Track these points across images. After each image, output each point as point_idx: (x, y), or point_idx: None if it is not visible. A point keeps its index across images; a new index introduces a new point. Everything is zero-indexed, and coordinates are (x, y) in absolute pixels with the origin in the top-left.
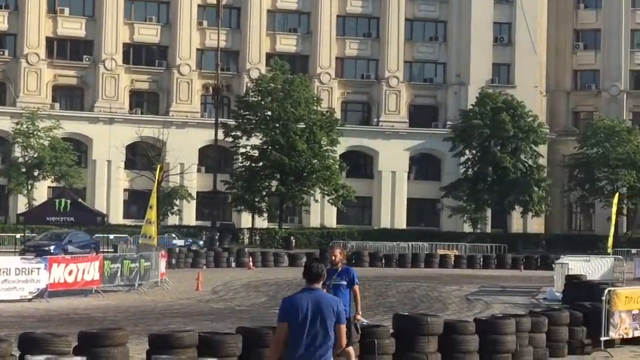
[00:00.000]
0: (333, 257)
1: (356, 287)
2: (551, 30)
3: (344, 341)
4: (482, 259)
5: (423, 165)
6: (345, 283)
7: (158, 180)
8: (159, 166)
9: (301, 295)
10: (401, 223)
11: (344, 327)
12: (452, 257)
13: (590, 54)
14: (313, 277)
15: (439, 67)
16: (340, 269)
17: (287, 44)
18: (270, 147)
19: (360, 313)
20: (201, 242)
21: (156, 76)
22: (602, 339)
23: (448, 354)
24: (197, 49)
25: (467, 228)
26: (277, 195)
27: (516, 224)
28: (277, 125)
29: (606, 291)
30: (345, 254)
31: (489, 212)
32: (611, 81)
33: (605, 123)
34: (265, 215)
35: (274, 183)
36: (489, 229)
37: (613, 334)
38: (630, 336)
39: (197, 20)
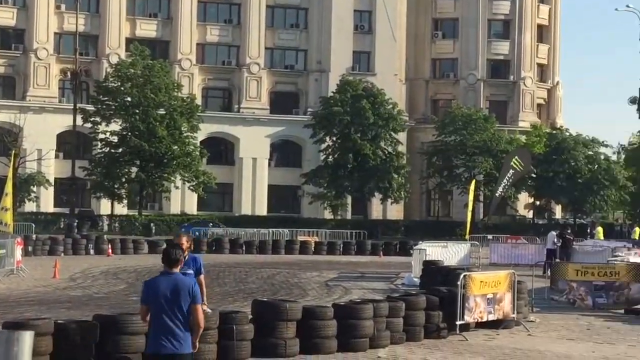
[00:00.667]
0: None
1: (201, 277)
2: (410, 19)
3: (202, 320)
4: (342, 245)
5: (284, 152)
6: (192, 272)
7: (14, 166)
8: (14, 152)
9: (161, 279)
10: (262, 210)
11: (199, 307)
12: (313, 244)
13: (449, 43)
14: (172, 262)
15: (300, 54)
16: (187, 257)
17: (147, 29)
18: (129, 133)
19: (206, 303)
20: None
21: (12, 60)
22: (458, 322)
23: (307, 339)
24: (55, 33)
25: (328, 215)
26: (136, 182)
27: (376, 210)
28: (137, 111)
29: (462, 276)
30: (192, 241)
31: (349, 199)
32: (469, 70)
33: (462, 111)
34: (125, 202)
35: (134, 169)
36: (349, 216)
37: (468, 318)
38: (484, 320)
39: (55, 3)
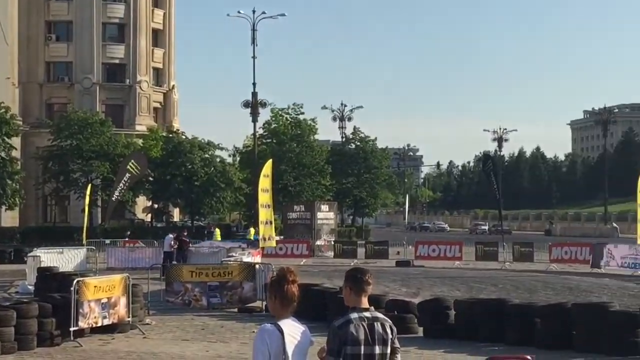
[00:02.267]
0: None
1: None
2: (23, 22)
3: None
4: None
5: None
6: None
7: None
8: None
9: None
10: None
11: None
12: None
13: (63, 46)
14: None
15: None
16: None
17: None
18: None
19: None
20: None
21: None
22: (72, 329)
23: None
24: None
25: None
26: None
27: None
28: None
29: (75, 282)
30: None
31: None
32: (84, 73)
33: (78, 115)
34: None
35: None
36: None
37: (82, 324)
38: (99, 324)
39: None
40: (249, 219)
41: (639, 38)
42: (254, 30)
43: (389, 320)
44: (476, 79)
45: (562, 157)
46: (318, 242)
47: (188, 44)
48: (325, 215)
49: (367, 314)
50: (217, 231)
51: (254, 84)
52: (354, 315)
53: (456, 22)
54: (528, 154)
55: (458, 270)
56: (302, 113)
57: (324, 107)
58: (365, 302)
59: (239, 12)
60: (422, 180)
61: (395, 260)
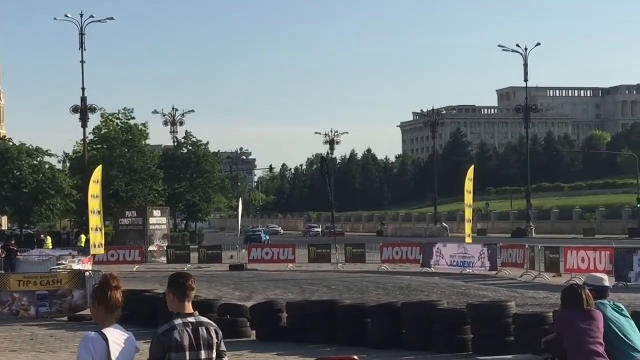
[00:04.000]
0: None
1: None
2: None
3: None
4: None
5: None
6: None
7: None
8: None
9: None
10: None
11: None
12: None
13: None
14: None
15: None
16: None
17: None
18: None
19: None
20: None
21: None
22: None
23: None
24: None
25: None
26: None
27: None
28: None
29: None
30: None
31: None
32: None
33: None
34: None
35: None
36: None
37: None
38: None
39: None
40: (81, 226)
41: (467, 41)
42: (82, 34)
43: (215, 325)
44: (307, 81)
45: (393, 159)
46: (151, 248)
47: (15, 49)
48: (158, 220)
49: (191, 319)
50: (49, 239)
51: (83, 88)
52: (178, 321)
53: (284, 25)
54: (360, 156)
55: (291, 273)
56: (133, 118)
57: (155, 112)
58: (189, 308)
59: (66, 15)
60: (255, 183)
61: (229, 265)
